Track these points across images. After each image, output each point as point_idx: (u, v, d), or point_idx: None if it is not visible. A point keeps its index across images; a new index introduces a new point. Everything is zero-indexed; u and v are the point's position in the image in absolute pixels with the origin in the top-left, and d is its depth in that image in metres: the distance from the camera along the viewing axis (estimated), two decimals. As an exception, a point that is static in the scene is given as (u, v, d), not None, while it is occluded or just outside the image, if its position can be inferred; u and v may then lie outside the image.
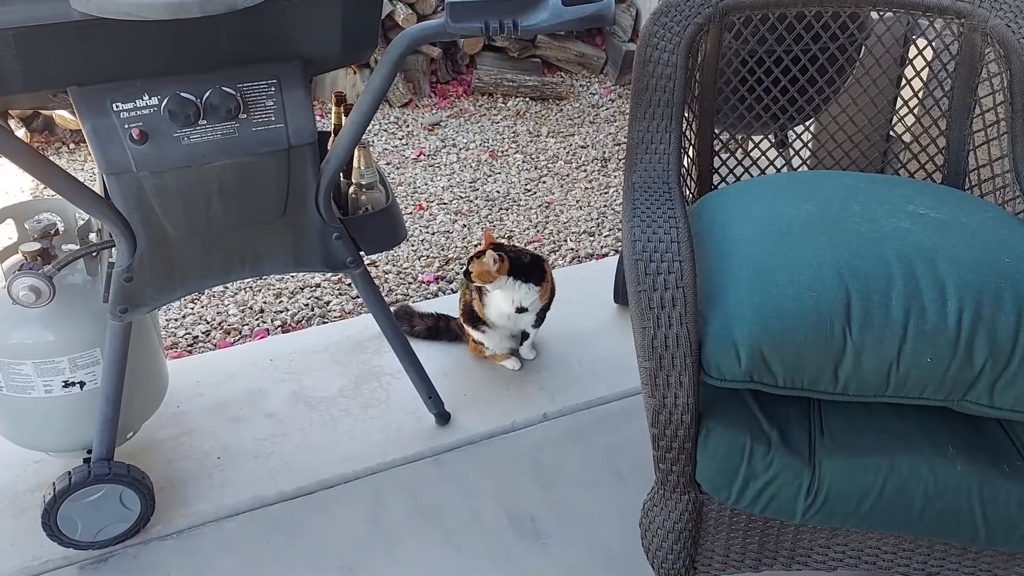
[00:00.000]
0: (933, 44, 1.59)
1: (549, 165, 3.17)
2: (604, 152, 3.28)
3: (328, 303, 2.35)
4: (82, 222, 1.56)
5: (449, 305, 2.10)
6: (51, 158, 2.26)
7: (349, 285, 2.42)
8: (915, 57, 1.65)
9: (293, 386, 1.91)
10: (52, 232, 1.46)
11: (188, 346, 2.18)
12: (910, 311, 1.11)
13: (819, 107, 1.73)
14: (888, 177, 1.44)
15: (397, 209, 1.63)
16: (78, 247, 1.50)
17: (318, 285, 2.42)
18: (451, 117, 3.52)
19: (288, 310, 2.32)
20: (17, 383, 1.45)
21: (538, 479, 1.71)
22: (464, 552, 1.56)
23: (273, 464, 1.72)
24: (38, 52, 1.16)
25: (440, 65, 3.70)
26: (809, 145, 2.12)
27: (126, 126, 1.26)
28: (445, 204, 2.88)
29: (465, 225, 2.76)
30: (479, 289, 1.86)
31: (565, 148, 3.30)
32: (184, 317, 2.27)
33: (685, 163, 1.54)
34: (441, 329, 2.06)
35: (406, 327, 2.04)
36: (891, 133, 1.81)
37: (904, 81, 1.68)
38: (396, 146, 3.26)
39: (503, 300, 1.84)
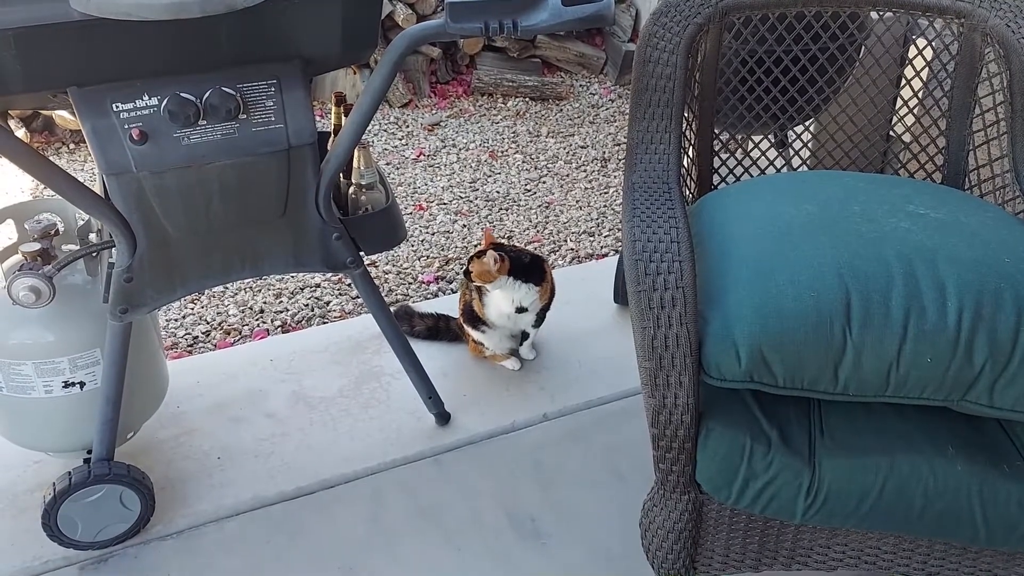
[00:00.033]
0: (933, 44, 1.59)
1: (549, 165, 3.17)
2: (604, 152, 3.28)
3: (328, 303, 2.35)
4: (82, 222, 1.56)
5: (449, 305, 2.10)
6: (51, 158, 2.26)
7: (349, 285, 2.42)
8: (915, 57, 1.65)
9: (293, 386, 1.91)
10: (52, 232, 1.46)
11: (188, 346, 2.18)
12: (910, 311, 1.11)
13: (819, 107, 1.73)
14: (888, 177, 1.44)
15: (397, 209, 1.63)
16: (78, 247, 1.50)
17: (318, 285, 2.42)
18: (451, 117, 3.51)
19: (288, 310, 2.32)
20: (17, 383, 1.45)
21: (538, 479, 1.71)
22: (464, 552, 1.56)
23: (273, 464, 1.72)
24: (38, 52, 1.16)
25: (440, 65, 3.70)
26: (809, 145, 2.12)
27: (126, 126, 1.26)
28: (445, 204, 2.88)
29: (465, 225, 2.76)
30: (479, 289, 1.86)
31: (565, 148, 3.30)
32: (184, 317, 2.27)
33: (685, 163, 1.54)
34: (441, 329, 2.06)
35: (406, 327, 2.04)
36: (891, 133, 1.81)
37: (904, 81, 1.68)
38: (396, 146, 3.26)
39: (503, 300, 1.84)
